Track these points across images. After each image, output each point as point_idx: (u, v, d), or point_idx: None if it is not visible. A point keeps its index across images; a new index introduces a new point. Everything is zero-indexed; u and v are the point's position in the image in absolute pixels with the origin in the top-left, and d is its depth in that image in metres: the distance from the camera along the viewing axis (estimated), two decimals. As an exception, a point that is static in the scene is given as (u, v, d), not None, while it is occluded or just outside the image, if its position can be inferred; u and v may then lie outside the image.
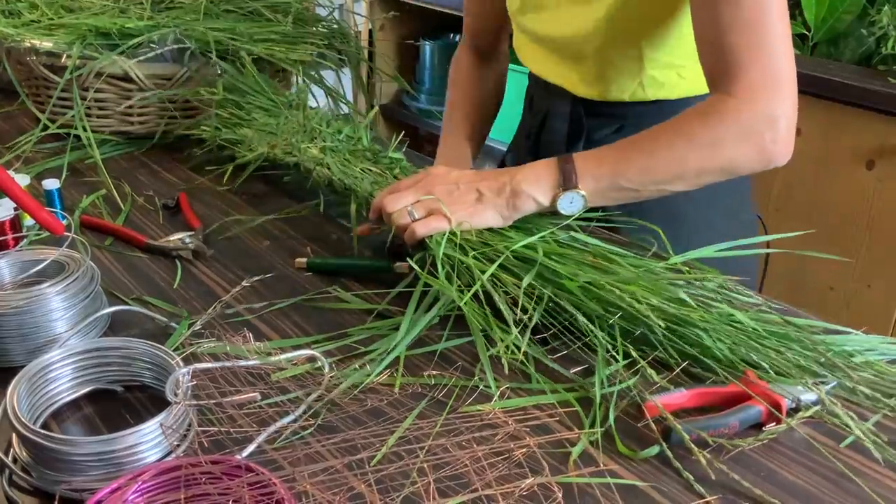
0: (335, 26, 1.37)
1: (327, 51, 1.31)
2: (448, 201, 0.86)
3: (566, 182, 0.85)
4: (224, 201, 1.13)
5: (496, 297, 0.78)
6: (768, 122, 0.83)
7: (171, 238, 0.99)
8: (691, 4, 0.88)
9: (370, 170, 1.00)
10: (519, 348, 0.75)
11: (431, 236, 0.85)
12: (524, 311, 0.77)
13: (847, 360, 0.76)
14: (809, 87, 1.74)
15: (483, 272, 0.79)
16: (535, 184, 0.86)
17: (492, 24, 1.20)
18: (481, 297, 0.80)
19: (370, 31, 2.67)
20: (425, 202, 0.87)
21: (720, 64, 0.86)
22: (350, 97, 1.76)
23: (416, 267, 0.83)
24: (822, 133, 1.76)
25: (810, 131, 1.77)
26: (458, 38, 2.69)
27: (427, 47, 2.68)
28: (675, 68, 1.00)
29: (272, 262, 0.98)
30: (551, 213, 0.89)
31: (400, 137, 1.07)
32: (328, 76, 1.39)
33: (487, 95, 1.23)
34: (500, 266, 0.81)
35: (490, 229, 0.88)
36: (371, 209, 0.93)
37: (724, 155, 0.84)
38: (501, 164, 1.27)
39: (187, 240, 0.99)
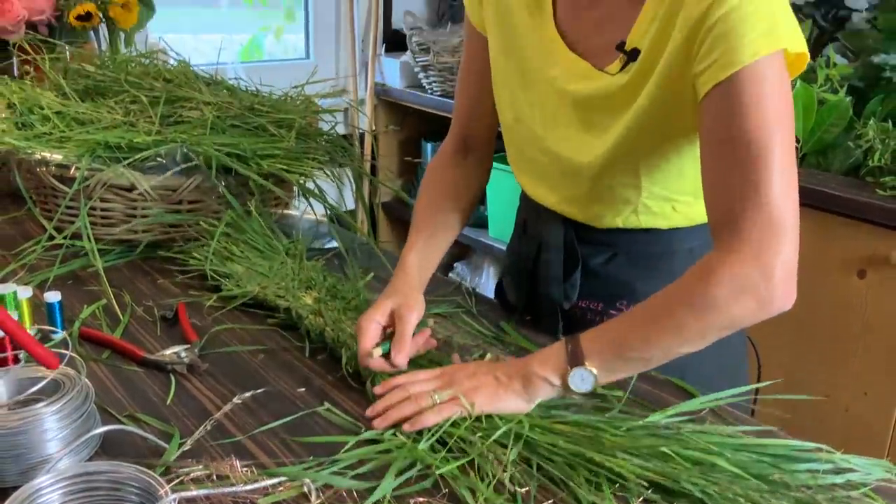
0: (336, 140, 1.42)
1: (329, 164, 1.36)
2: (469, 385, 0.89)
3: (573, 360, 0.87)
4: (222, 312, 1.15)
5: (488, 469, 0.80)
6: (762, 275, 0.82)
7: (167, 352, 1.01)
8: (701, 152, 0.88)
9: None
10: None
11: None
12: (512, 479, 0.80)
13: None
14: (800, 198, 1.77)
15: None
16: (545, 365, 0.89)
17: (485, 121, 1.15)
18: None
19: (374, 139, 2.75)
20: (451, 391, 0.89)
21: (722, 214, 0.86)
22: (351, 203, 1.80)
23: (402, 435, 0.85)
24: (812, 242, 1.79)
25: (801, 241, 1.79)
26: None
27: (429, 147, 2.76)
28: (670, 202, 1.01)
29: (265, 376, 0.99)
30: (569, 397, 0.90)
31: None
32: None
33: (466, 197, 1.17)
34: (486, 435, 0.85)
35: None
36: (381, 386, 0.92)
37: (723, 315, 0.84)
38: (504, 266, 1.27)
39: (183, 354, 1.01)
